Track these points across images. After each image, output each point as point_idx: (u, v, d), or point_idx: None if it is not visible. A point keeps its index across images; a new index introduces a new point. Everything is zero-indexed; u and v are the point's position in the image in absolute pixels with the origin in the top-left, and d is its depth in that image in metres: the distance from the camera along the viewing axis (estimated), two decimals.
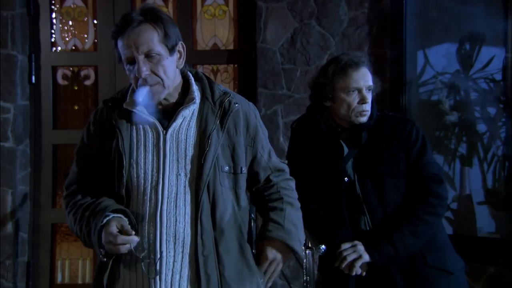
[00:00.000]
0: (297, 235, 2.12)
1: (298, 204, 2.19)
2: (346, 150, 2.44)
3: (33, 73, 4.22)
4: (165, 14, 1.99)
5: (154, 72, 1.92)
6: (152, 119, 1.98)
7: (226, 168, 2.00)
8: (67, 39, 4.37)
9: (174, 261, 1.94)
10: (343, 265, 2.34)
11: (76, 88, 4.42)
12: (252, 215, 3.56)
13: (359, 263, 2.33)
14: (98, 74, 4.29)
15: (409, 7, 3.79)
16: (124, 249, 1.88)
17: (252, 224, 3.57)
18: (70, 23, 4.37)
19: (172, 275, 1.94)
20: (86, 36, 4.37)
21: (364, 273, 2.35)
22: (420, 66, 3.86)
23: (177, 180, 1.96)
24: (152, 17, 1.93)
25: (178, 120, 1.98)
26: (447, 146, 3.82)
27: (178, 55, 2.01)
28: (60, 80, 4.36)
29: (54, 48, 4.33)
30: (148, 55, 1.91)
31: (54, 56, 4.31)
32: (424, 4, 3.85)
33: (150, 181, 1.96)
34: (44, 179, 4.26)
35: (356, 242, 2.34)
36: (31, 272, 4.22)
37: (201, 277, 1.94)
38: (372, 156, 2.40)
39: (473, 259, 3.14)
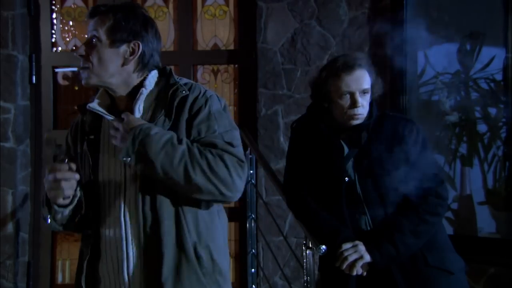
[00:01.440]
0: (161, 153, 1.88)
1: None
2: (346, 150, 2.44)
3: (34, 73, 4.23)
4: (138, 11, 2.02)
5: (87, 56, 1.96)
6: (111, 117, 1.98)
7: None
8: (68, 39, 4.38)
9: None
10: (344, 265, 2.34)
11: (76, 88, 4.42)
12: (253, 215, 3.58)
13: (360, 263, 2.33)
14: None
15: (410, 7, 3.80)
16: (67, 186, 1.86)
17: (253, 224, 3.59)
18: (71, 23, 4.37)
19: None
20: (86, 36, 4.36)
21: (365, 273, 2.35)
22: (420, 66, 3.86)
23: (132, 173, 1.94)
24: (112, 9, 1.98)
25: (136, 115, 1.96)
26: (448, 146, 3.82)
27: (129, 52, 1.98)
28: (61, 80, 4.36)
29: (54, 48, 4.33)
30: (89, 40, 1.97)
31: (55, 56, 4.32)
32: (425, 4, 3.85)
33: (113, 180, 1.96)
34: None
35: (357, 242, 2.34)
36: (32, 272, 4.22)
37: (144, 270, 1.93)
38: (372, 156, 2.40)
39: (473, 259, 3.14)
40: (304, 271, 2.67)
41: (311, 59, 3.96)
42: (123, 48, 1.98)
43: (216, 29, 4.33)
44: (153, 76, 2.03)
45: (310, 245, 2.62)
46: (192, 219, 1.94)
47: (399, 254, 2.31)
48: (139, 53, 1.98)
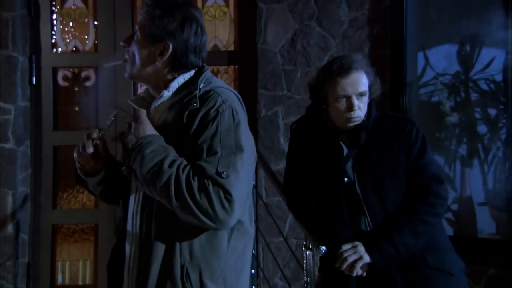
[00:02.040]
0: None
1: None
2: (345, 150, 2.44)
3: (34, 74, 4.23)
4: (182, 10, 1.96)
5: (132, 54, 1.96)
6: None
7: None
8: (68, 40, 4.38)
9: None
10: (344, 266, 2.34)
11: (76, 89, 4.42)
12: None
13: (359, 264, 2.33)
14: (98, 75, 4.29)
15: (409, 8, 3.80)
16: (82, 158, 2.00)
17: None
18: (71, 24, 4.37)
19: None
20: (86, 37, 4.37)
21: (364, 274, 2.35)
22: (420, 67, 3.86)
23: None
24: (160, 3, 1.95)
25: (156, 117, 1.96)
26: (448, 147, 3.82)
27: (158, 52, 1.94)
28: (61, 81, 4.36)
29: (54, 49, 4.33)
30: (125, 40, 1.99)
31: (55, 57, 4.32)
32: (424, 5, 3.85)
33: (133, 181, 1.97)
34: (45, 180, 4.26)
35: (356, 243, 2.34)
36: (32, 273, 4.22)
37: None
38: (372, 156, 2.40)
39: (473, 260, 3.14)
40: (304, 272, 2.67)
41: (311, 60, 3.96)
42: (153, 46, 1.94)
43: (216, 30, 4.33)
44: (183, 78, 1.97)
45: (310, 246, 2.62)
46: (186, 235, 1.85)
47: (399, 255, 2.31)
48: (168, 53, 1.93)
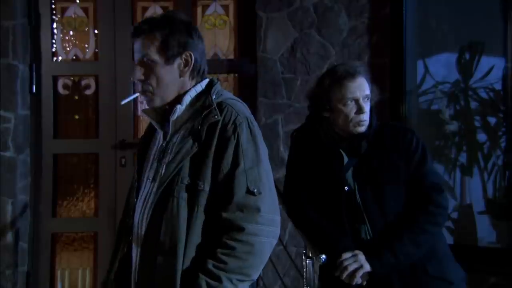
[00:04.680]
0: None
1: (222, 275, 1.80)
2: (346, 159, 2.44)
3: (34, 82, 4.23)
4: (178, 21, 2.02)
5: (147, 80, 1.96)
6: (159, 128, 2.03)
7: (186, 180, 1.89)
8: (68, 48, 4.39)
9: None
10: (344, 275, 2.33)
11: (76, 97, 4.43)
12: None
13: (360, 273, 2.32)
14: (98, 84, 4.30)
15: (409, 16, 3.81)
16: None
17: None
18: (71, 32, 4.38)
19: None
20: (87, 45, 4.38)
21: (364, 283, 2.34)
22: (420, 75, 3.87)
23: (154, 187, 1.98)
24: (158, 25, 1.96)
25: (171, 130, 1.99)
26: (447, 156, 3.82)
27: (183, 63, 1.99)
28: (61, 90, 4.37)
29: (55, 58, 4.34)
30: (142, 61, 1.96)
31: (55, 66, 4.32)
32: (424, 13, 3.86)
33: (143, 190, 2.01)
34: (45, 188, 4.26)
35: (357, 251, 2.34)
36: (31, 282, 4.21)
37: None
38: (372, 165, 2.40)
39: (474, 268, 3.13)
40: (304, 280, 2.67)
41: (311, 68, 3.97)
42: (177, 62, 1.98)
43: (216, 39, 4.34)
44: (195, 91, 2.01)
45: (310, 255, 2.62)
46: (198, 238, 1.88)
47: (399, 264, 2.31)
48: (192, 62, 2.00)
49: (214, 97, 1.96)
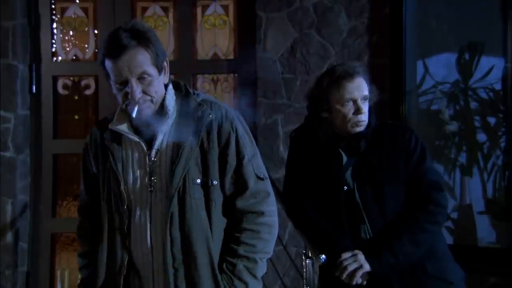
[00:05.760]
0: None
1: (256, 256, 2.04)
2: (345, 158, 2.45)
3: (34, 83, 4.23)
4: (151, 32, 2.01)
5: (145, 93, 1.96)
6: (137, 139, 2.02)
7: (198, 180, 1.99)
8: (68, 48, 4.39)
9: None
10: (344, 275, 2.34)
11: (76, 97, 4.42)
12: None
13: (359, 273, 2.32)
14: (98, 84, 4.30)
15: (409, 16, 3.81)
16: None
17: None
18: (71, 33, 4.38)
19: None
20: (86, 46, 4.38)
21: (364, 283, 2.35)
22: (419, 75, 3.87)
23: (160, 197, 2.00)
24: (144, 39, 1.95)
25: (159, 137, 2.00)
26: (447, 156, 3.82)
27: (164, 71, 2.03)
28: (61, 90, 4.37)
29: (54, 58, 4.34)
30: (141, 77, 1.94)
31: (55, 66, 4.32)
32: (424, 14, 3.86)
33: (140, 201, 2.01)
34: (44, 188, 4.26)
35: (356, 251, 2.34)
36: (31, 282, 4.20)
37: None
38: (371, 164, 2.40)
39: (473, 269, 3.13)
40: (304, 280, 2.67)
41: (311, 69, 3.97)
42: (163, 70, 2.02)
43: (216, 39, 4.34)
44: (170, 92, 2.05)
45: (310, 255, 2.62)
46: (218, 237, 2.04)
47: (398, 263, 2.31)
48: (168, 68, 2.05)
49: (198, 98, 2.05)
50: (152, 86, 1.96)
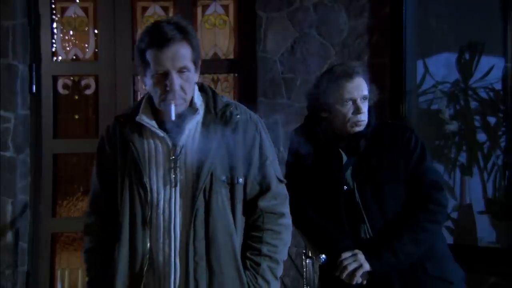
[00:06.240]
0: None
1: (278, 256, 2.12)
2: (345, 158, 2.45)
3: (34, 82, 4.23)
4: (192, 29, 2.04)
5: (182, 88, 1.99)
6: (162, 134, 2.04)
7: (223, 177, 2.03)
8: (68, 48, 4.38)
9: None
10: (344, 275, 2.34)
11: (76, 97, 4.42)
12: None
13: (359, 272, 2.32)
14: (98, 84, 4.30)
15: (409, 16, 3.81)
16: None
17: None
18: (71, 32, 4.38)
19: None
20: (86, 45, 4.38)
21: (364, 282, 2.35)
22: (419, 75, 3.86)
23: (185, 191, 2.01)
24: (188, 35, 2.00)
25: (185, 134, 2.03)
26: (447, 155, 3.81)
27: (198, 70, 2.07)
28: (61, 90, 4.37)
29: (54, 58, 4.34)
30: (180, 71, 1.98)
31: (55, 66, 4.32)
32: (424, 13, 3.86)
33: (163, 194, 2.02)
34: (44, 188, 4.25)
35: (356, 251, 2.34)
36: (31, 282, 4.20)
37: (190, 283, 1.98)
38: (371, 164, 2.40)
39: (473, 268, 3.13)
40: (304, 280, 2.67)
41: (311, 68, 3.97)
42: (198, 68, 2.07)
43: (216, 39, 4.34)
44: (197, 92, 2.10)
45: (310, 255, 2.62)
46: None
47: (399, 263, 2.31)
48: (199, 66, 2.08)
49: (223, 99, 2.11)
50: (189, 82, 2.00)
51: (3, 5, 4.09)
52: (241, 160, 2.06)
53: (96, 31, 4.34)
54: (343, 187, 2.41)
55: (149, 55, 1.97)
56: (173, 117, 1.98)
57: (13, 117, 4.12)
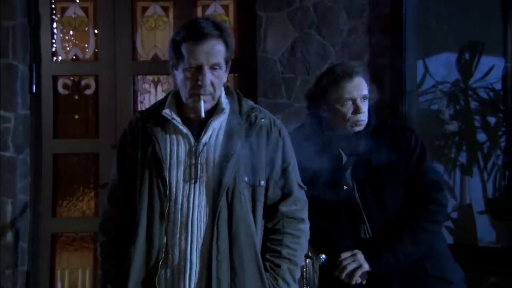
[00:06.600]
0: None
1: (297, 260, 2.13)
2: (344, 158, 2.45)
3: (34, 82, 4.23)
4: (228, 28, 2.10)
5: (212, 84, 2.01)
6: (186, 130, 2.05)
7: (246, 178, 2.04)
8: (68, 48, 4.38)
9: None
10: (343, 275, 2.34)
11: (76, 97, 4.42)
12: None
13: (359, 273, 2.33)
14: (98, 84, 4.30)
15: (409, 16, 3.81)
16: None
17: None
18: (71, 32, 4.38)
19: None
20: (86, 45, 4.38)
21: (364, 282, 2.35)
22: (420, 75, 3.86)
23: (206, 189, 2.02)
24: (224, 32, 2.05)
25: (209, 132, 2.05)
26: (447, 155, 3.82)
27: (228, 69, 2.11)
28: (61, 90, 4.37)
29: (54, 58, 4.34)
30: (213, 68, 2.01)
31: (55, 66, 4.32)
32: (424, 13, 3.86)
33: (182, 190, 2.02)
34: (44, 188, 4.25)
35: (356, 251, 2.34)
36: (31, 282, 4.20)
37: (212, 282, 1.97)
38: (371, 164, 2.40)
39: (473, 268, 3.13)
40: (304, 280, 2.67)
41: (311, 68, 3.97)
42: (228, 68, 2.11)
43: None
44: (223, 93, 2.12)
45: (310, 255, 2.62)
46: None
47: (398, 263, 2.31)
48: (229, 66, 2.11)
49: (249, 103, 2.15)
50: (219, 80, 2.03)
51: (3, 5, 4.09)
52: (264, 164, 2.07)
53: (96, 31, 4.34)
54: (343, 187, 2.41)
55: (184, 48, 2.00)
56: (203, 114, 2.00)
57: (13, 117, 4.12)
